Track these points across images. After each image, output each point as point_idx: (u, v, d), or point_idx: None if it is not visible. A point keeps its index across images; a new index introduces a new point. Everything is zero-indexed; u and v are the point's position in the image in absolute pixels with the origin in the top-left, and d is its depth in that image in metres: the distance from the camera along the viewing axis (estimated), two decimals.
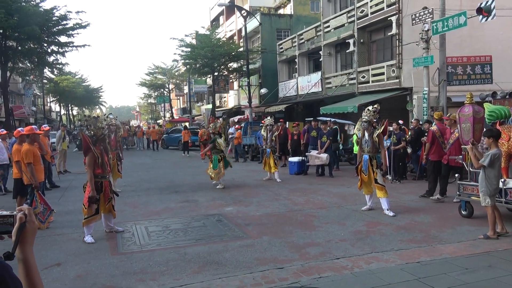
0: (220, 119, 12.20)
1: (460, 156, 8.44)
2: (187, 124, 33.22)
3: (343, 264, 5.06)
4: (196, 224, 7.34)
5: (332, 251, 5.63)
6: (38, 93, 46.53)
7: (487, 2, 11.89)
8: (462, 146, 8.08)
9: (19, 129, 8.26)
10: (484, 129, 7.09)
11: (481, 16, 12.11)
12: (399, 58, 16.91)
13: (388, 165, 9.67)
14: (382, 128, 8.00)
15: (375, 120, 8.19)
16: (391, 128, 12.17)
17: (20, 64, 27.94)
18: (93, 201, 6.27)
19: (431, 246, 5.76)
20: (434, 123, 10.05)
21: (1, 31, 21.97)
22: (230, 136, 18.74)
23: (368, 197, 8.14)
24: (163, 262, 5.30)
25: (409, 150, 12.10)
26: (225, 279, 4.70)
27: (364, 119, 8.04)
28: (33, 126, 8.22)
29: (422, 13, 14.23)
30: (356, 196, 9.27)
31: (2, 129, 12.81)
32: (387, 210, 7.70)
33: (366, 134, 8.04)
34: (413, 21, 14.64)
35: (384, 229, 6.71)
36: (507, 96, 11.27)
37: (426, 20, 14.04)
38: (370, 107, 8.19)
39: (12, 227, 1.27)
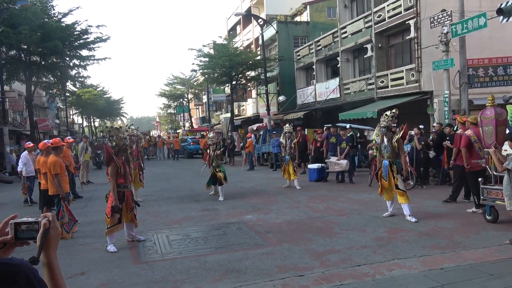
0: (210, 133, 12.47)
1: (483, 160, 8.26)
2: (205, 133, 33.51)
3: (364, 271, 5.01)
4: (216, 232, 7.39)
5: (353, 258, 5.57)
6: (61, 106, 47.63)
7: (507, 2, 11.67)
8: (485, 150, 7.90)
9: (45, 141, 8.48)
10: (507, 132, 6.94)
11: (501, 17, 11.89)
12: (418, 61, 16.70)
13: (409, 170, 9.53)
14: (401, 133, 7.91)
15: (394, 125, 8.10)
16: (412, 133, 12.01)
17: (44, 79, 28.82)
18: (115, 210, 6.38)
19: (455, 252, 5.64)
20: (456, 127, 9.85)
21: (25, 46, 22.71)
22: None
23: (389, 203, 8.04)
24: (184, 271, 5.34)
25: (431, 155, 11.88)
26: (246, 287, 4.71)
27: (382, 125, 7.97)
28: (58, 138, 8.45)
29: (440, 16, 14.06)
30: (377, 202, 9.16)
31: (29, 142, 13.14)
32: (409, 216, 7.58)
33: (385, 140, 7.97)
34: (432, 24, 14.48)
35: (406, 235, 6.61)
36: None
37: (445, 22, 13.87)
38: (388, 112, 8.11)
39: (37, 233, 1.32)
